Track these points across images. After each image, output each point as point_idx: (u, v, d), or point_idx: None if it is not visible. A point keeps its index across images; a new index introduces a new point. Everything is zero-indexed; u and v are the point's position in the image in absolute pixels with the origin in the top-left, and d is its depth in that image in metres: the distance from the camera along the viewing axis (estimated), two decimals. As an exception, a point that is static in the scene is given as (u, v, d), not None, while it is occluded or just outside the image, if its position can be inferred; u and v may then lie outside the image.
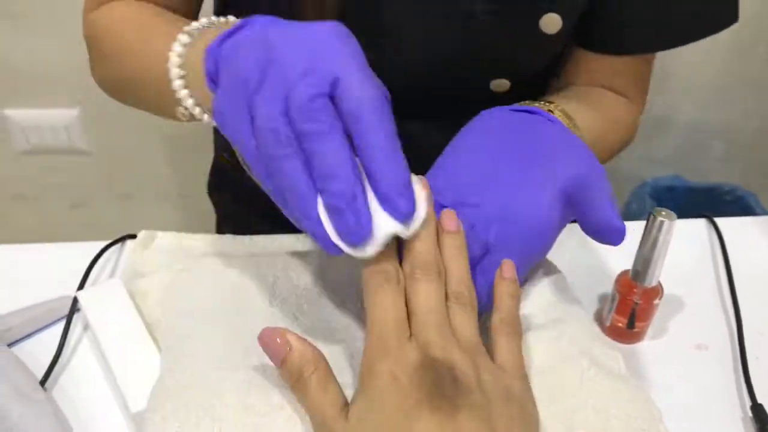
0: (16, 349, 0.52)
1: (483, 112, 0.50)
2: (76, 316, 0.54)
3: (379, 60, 0.40)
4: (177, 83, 0.45)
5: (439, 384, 0.34)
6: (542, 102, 0.53)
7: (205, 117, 0.46)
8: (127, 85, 0.58)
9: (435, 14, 0.56)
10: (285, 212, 0.38)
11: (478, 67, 0.60)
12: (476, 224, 0.42)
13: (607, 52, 0.62)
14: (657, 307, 0.53)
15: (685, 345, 0.55)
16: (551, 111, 0.51)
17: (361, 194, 0.34)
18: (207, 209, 0.92)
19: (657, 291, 0.53)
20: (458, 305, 0.38)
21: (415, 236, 0.38)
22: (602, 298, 0.58)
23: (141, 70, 0.52)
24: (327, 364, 0.37)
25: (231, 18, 0.47)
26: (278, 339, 0.37)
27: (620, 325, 0.54)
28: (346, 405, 0.36)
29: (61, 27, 1.16)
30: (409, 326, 0.37)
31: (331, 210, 0.34)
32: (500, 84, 0.61)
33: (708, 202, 1.40)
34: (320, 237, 0.35)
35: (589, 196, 0.43)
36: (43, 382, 0.49)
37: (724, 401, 0.50)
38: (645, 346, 0.55)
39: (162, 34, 0.49)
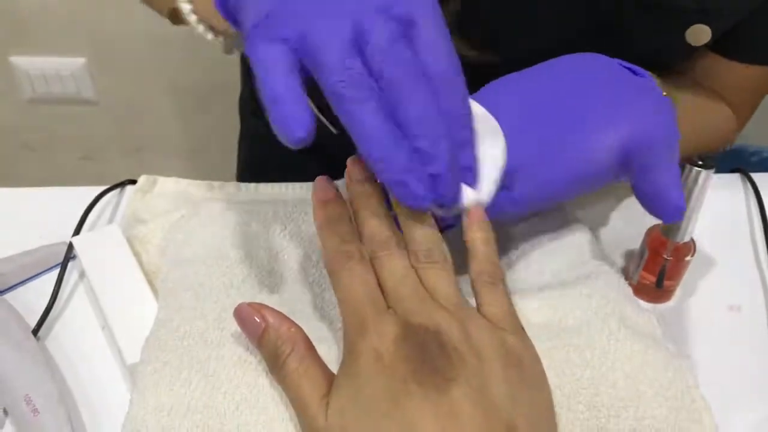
0: (9, 296, 0.50)
1: (590, 54, 0.45)
2: (71, 264, 0.51)
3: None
4: None
5: (426, 352, 0.31)
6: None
7: (210, 36, 0.43)
8: None
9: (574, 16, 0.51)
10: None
11: None
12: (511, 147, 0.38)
13: (736, 58, 0.56)
14: (688, 265, 0.50)
15: (716, 306, 0.51)
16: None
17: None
18: (218, 163, 0.89)
19: (689, 247, 0.49)
20: (429, 264, 0.35)
21: (364, 214, 0.36)
22: (628, 255, 0.54)
23: None
24: (307, 342, 0.34)
25: None
26: (252, 314, 0.34)
27: (648, 282, 0.51)
28: (329, 389, 0.32)
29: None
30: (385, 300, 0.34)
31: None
32: None
33: (734, 164, 1.35)
34: (405, 188, 0.32)
35: (653, 160, 0.40)
36: (35, 331, 0.47)
37: (757, 364, 0.47)
38: (673, 307, 0.51)
39: None
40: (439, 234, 0.36)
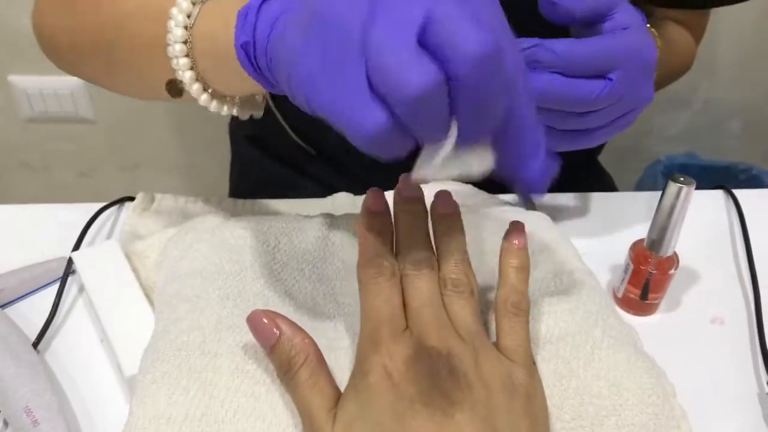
0: (9, 310, 0.51)
1: None
2: (71, 278, 0.53)
3: None
4: (177, 49, 0.38)
5: (435, 376, 0.32)
6: None
7: (203, 98, 0.41)
8: (97, 35, 0.46)
9: None
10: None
11: None
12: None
13: (669, 5, 0.64)
14: (672, 278, 0.51)
15: (700, 319, 0.53)
16: None
17: None
18: (214, 179, 0.91)
19: (672, 261, 0.51)
20: (455, 293, 0.36)
21: (404, 230, 0.37)
22: (614, 270, 0.56)
23: (127, 15, 0.44)
24: (318, 354, 0.35)
25: None
26: (267, 322, 0.35)
27: (633, 296, 0.52)
28: (337, 403, 0.33)
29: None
30: (405, 320, 0.35)
31: None
32: None
33: (722, 181, 1.35)
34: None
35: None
36: (36, 344, 0.48)
37: (740, 377, 0.48)
38: (658, 319, 0.53)
39: None
40: (470, 264, 0.37)
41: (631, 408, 0.35)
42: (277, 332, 0.34)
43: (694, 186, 0.47)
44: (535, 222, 0.48)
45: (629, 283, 0.52)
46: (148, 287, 0.50)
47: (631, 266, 0.51)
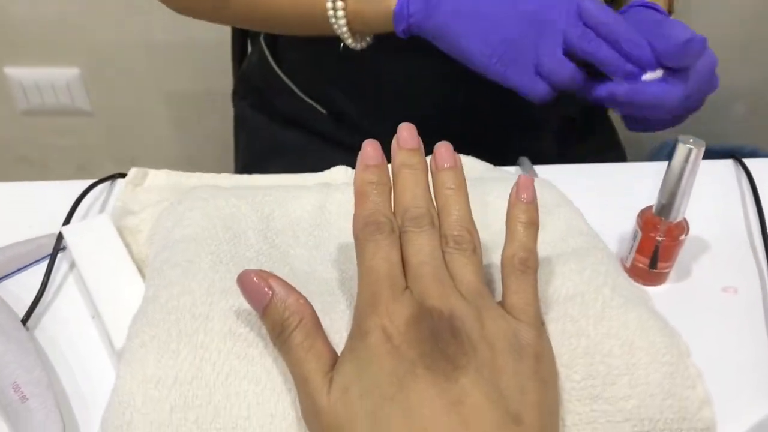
0: (-2, 287, 0.49)
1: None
2: (61, 255, 0.51)
3: None
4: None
5: (437, 338, 0.30)
6: None
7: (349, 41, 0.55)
8: None
9: None
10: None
11: None
12: None
13: None
14: (682, 245, 0.49)
15: (712, 288, 0.51)
16: None
17: None
18: (212, 171, 0.90)
19: (682, 227, 0.49)
20: (457, 250, 0.34)
21: (404, 185, 0.36)
22: (621, 241, 0.54)
23: None
24: (314, 315, 0.33)
25: None
26: (258, 281, 0.33)
27: (642, 265, 0.50)
28: (333, 367, 0.31)
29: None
30: (405, 277, 0.33)
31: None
32: None
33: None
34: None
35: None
36: (25, 321, 0.46)
37: (753, 346, 0.46)
38: (668, 289, 0.51)
39: None
40: (473, 220, 0.36)
41: (644, 367, 0.33)
42: (270, 292, 0.32)
43: (704, 147, 0.45)
44: (540, 186, 0.47)
45: (637, 252, 0.50)
46: (141, 262, 0.49)
47: (640, 234, 0.49)
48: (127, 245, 0.49)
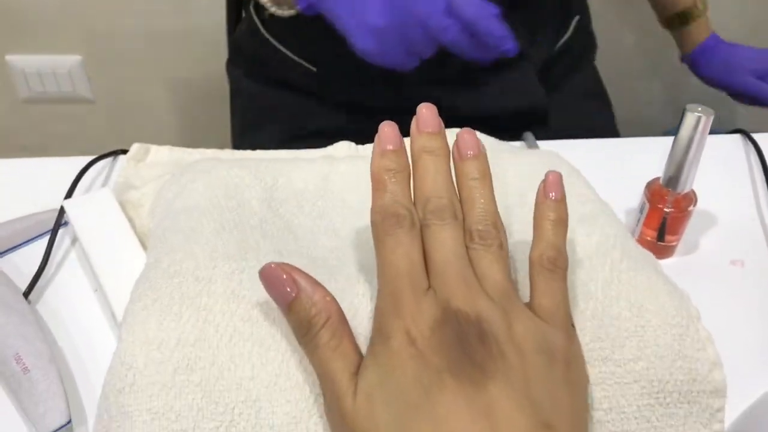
0: (0, 262, 0.49)
1: None
2: (63, 230, 0.51)
3: None
4: None
5: (464, 342, 0.28)
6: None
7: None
8: None
9: None
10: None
11: None
12: None
13: None
14: (690, 217, 0.49)
15: (719, 261, 0.50)
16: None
17: None
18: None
19: (690, 198, 0.48)
20: (483, 246, 0.32)
21: (424, 172, 0.33)
22: (628, 215, 0.54)
23: None
24: (340, 313, 0.31)
25: None
26: (283, 276, 0.31)
27: (649, 238, 0.50)
28: (358, 368, 0.30)
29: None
30: (427, 274, 0.31)
31: None
32: None
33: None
34: None
35: None
36: (26, 294, 0.46)
37: (762, 318, 0.46)
38: (675, 262, 0.50)
39: None
40: (498, 213, 0.33)
41: (653, 329, 0.32)
42: (295, 288, 0.30)
43: (712, 116, 0.44)
44: (546, 156, 0.46)
45: (645, 224, 0.50)
46: (144, 235, 0.48)
47: (647, 205, 0.49)
48: (129, 219, 0.49)
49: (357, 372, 0.29)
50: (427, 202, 0.32)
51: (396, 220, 0.31)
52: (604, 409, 0.31)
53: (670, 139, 0.47)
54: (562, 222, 0.33)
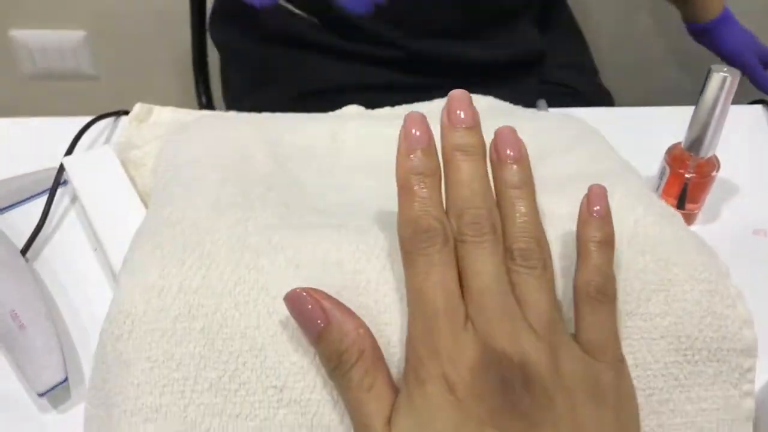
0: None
1: None
2: (63, 189, 0.49)
3: None
4: None
5: (507, 388, 0.25)
6: None
7: None
8: None
9: None
10: None
11: None
12: None
13: None
14: (712, 183, 0.47)
15: (742, 230, 0.49)
16: None
17: None
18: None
19: (713, 164, 0.47)
20: (525, 269, 0.28)
21: (458, 177, 0.29)
22: (647, 181, 0.52)
23: None
24: (375, 345, 0.28)
25: None
26: (310, 306, 0.28)
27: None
28: (393, 407, 0.27)
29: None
30: (463, 300, 0.28)
31: None
32: None
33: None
34: None
35: None
36: (24, 252, 0.45)
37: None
38: (696, 231, 0.48)
39: None
40: (541, 227, 0.29)
41: (681, 284, 0.31)
42: (325, 319, 0.27)
43: (738, 77, 0.43)
44: (565, 119, 0.45)
45: (664, 191, 0.48)
46: (145, 195, 0.47)
47: (668, 171, 0.47)
48: (131, 179, 0.47)
49: (391, 414, 0.27)
50: (462, 213, 0.28)
51: (427, 236, 0.27)
52: (629, 365, 0.29)
53: (688, 108, 0.45)
54: (608, 243, 0.30)
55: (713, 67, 0.43)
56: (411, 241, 0.28)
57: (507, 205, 0.30)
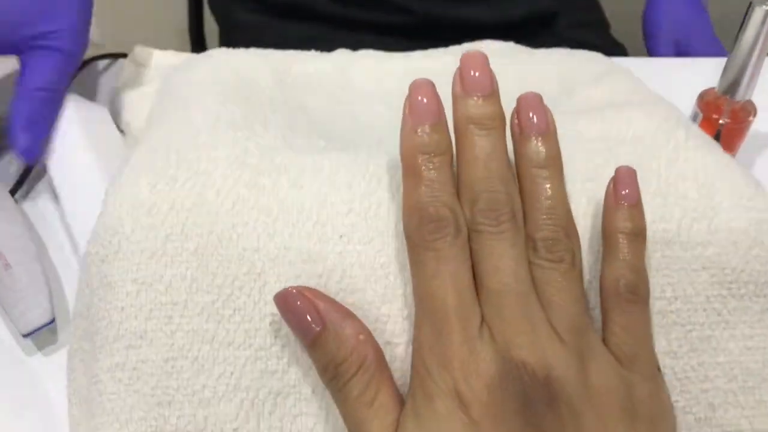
0: (-14, 161, 0.45)
1: None
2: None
3: None
4: None
5: (529, 408, 0.22)
6: None
7: None
8: None
9: None
10: None
11: None
12: None
13: None
14: (747, 129, 0.44)
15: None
16: None
17: None
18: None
19: (749, 109, 0.43)
20: (550, 263, 0.25)
21: (473, 155, 0.25)
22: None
23: None
24: (378, 352, 0.25)
25: None
26: (304, 304, 0.24)
27: (700, 155, 0.45)
28: (397, 421, 0.24)
29: None
30: (478, 300, 0.24)
31: None
32: None
33: None
34: None
35: None
36: (13, 192, 0.42)
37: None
38: (728, 183, 0.45)
39: None
40: (570, 214, 0.26)
41: (726, 211, 0.28)
42: (320, 322, 0.24)
43: (782, 11, 0.39)
44: (593, 56, 0.42)
45: (695, 140, 0.45)
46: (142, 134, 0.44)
47: (700, 116, 0.44)
48: (126, 123, 0.45)
49: (396, 430, 0.24)
50: (476, 197, 0.25)
51: (436, 227, 0.24)
52: (667, 297, 0.27)
53: (720, 60, 0.42)
54: (640, 234, 0.26)
55: (755, 0, 0.40)
56: (417, 232, 0.24)
57: (530, 187, 0.26)
